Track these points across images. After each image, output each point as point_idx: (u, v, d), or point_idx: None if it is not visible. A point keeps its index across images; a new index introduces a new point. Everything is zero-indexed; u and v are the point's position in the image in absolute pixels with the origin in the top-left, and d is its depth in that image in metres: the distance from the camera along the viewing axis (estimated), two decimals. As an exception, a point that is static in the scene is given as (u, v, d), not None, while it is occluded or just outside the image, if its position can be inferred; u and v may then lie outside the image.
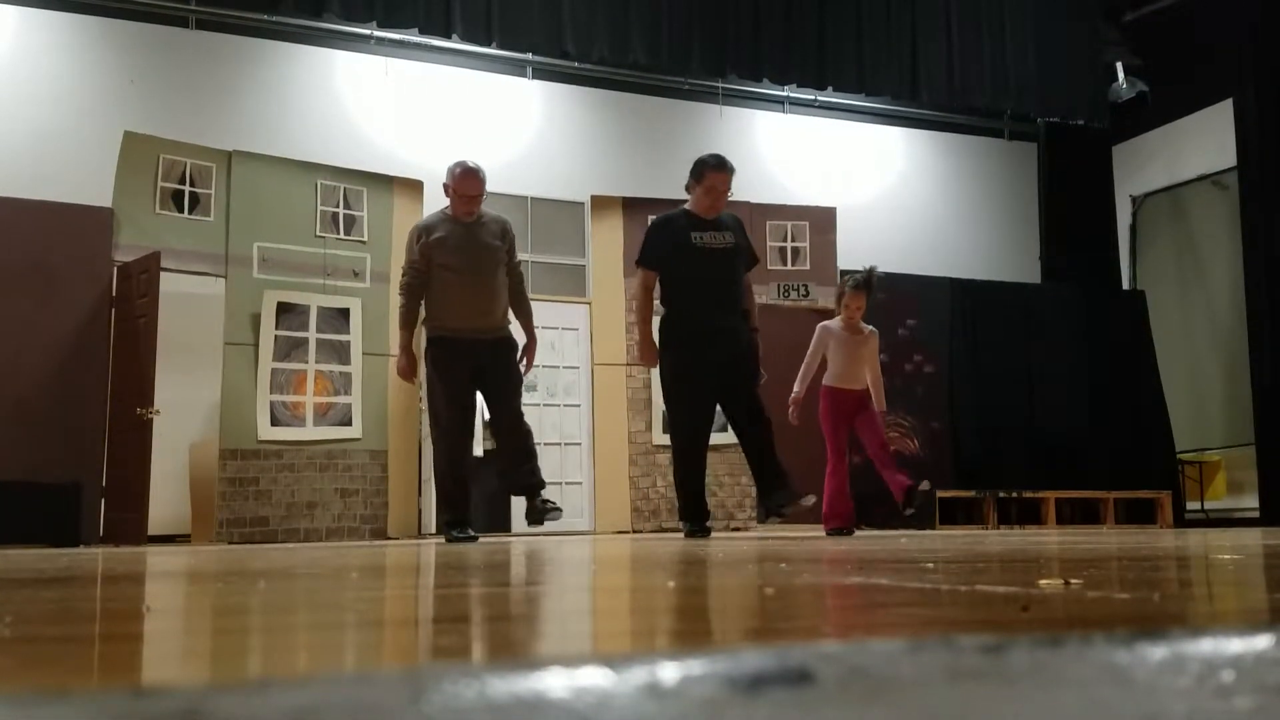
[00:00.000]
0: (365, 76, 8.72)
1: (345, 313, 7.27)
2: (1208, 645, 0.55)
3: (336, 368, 7.18)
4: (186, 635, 1.10)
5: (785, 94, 9.94)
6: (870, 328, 6.11)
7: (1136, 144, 10.53)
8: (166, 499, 7.05)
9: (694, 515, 5.45)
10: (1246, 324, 9.25)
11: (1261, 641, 0.55)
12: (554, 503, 5.52)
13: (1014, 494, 8.50)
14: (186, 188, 7.00)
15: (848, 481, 5.95)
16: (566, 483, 7.67)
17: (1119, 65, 10.07)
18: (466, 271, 5.49)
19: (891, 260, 8.19)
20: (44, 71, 7.83)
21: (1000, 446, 8.68)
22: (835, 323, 6.07)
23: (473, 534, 5.44)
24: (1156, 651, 0.54)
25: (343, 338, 7.24)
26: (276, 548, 5.20)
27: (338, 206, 7.40)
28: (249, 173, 7.18)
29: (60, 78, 7.87)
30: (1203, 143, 9.91)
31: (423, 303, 5.59)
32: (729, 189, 5.61)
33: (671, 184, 8.88)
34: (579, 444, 7.75)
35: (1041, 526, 8.34)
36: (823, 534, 5.69)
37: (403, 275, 5.68)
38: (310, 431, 7.02)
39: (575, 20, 8.41)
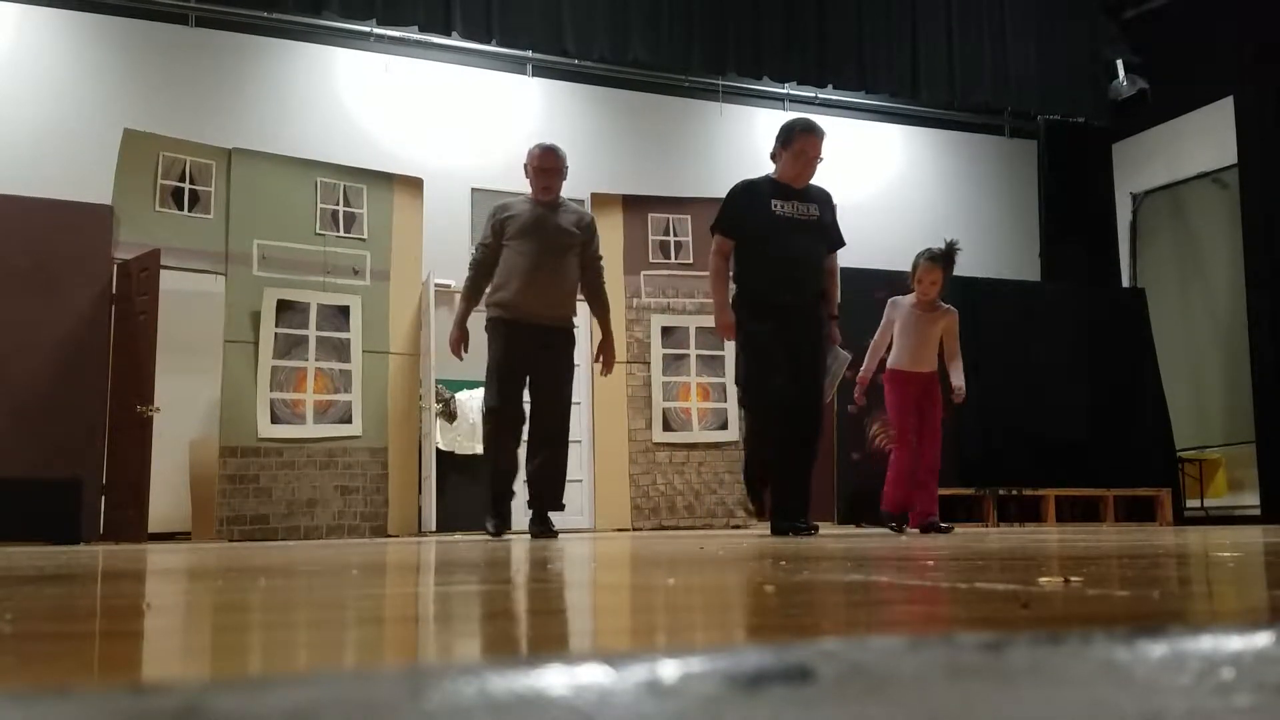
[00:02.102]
0: (365, 74, 8.72)
1: (345, 310, 7.27)
2: (1207, 643, 0.55)
3: (336, 365, 7.18)
4: (186, 632, 1.10)
5: (785, 91, 9.94)
6: (948, 306, 5.69)
7: (1137, 141, 10.53)
8: (167, 496, 7.06)
9: (793, 510, 4.95)
10: (1247, 322, 9.25)
11: (1261, 639, 0.55)
12: (553, 528, 5.28)
13: (1014, 491, 8.51)
14: (186, 185, 7.00)
15: (910, 472, 5.52)
16: (567, 480, 7.67)
17: (1119, 62, 10.06)
18: (536, 253, 5.26)
19: (891, 258, 8.18)
20: (44, 69, 7.83)
21: (1000, 444, 8.67)
22: (906, 298, 5.64)
23: (497, 530, 5.18)
24: (1156, 649, 0.54)
25: (343, 335, 7.24)
26: (276, 545, 5.20)
27: (337, 204, 7.40)
28: (249, 170, 7.18)
29: (60, 75, 7.87)
30: (1203, 140, 9.91)
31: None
32: (820, 155, 5.12)
33: (672, 181, 8.94)
34: (579, 441, 7.73)
35: (1041, 524, 8.34)
36: (821, 533, 5.42)
37: (474, 251, 5.53)
38: (310, 429, 7.02)
39: (575, 18, 8.41)
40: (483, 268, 5.38)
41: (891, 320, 5.62)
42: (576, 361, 5.51)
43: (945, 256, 5.52)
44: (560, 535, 5.37)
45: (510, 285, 5.26)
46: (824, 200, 5.19)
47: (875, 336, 5.66)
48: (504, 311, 5.27)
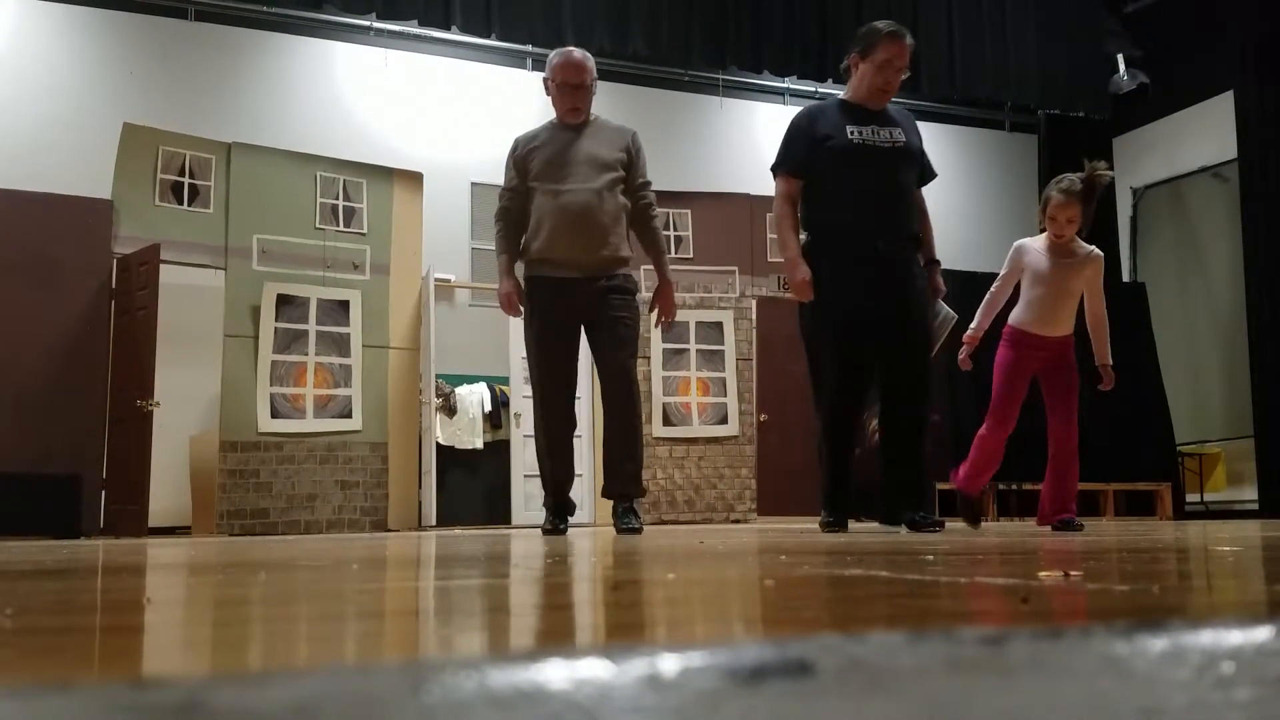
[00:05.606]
0: (365, 68, 8.71)
1: (345, 305, 7.27)
2: (1207, 637, 0.55)
3: (336, 360, 7.18)
4: (187, 627, 1.10)
5: (786, 85, 9.92)
6: (1092, 249, 4.51)
7: (1137, 136, 10.53)
8: (167, 491, 7.06)
9: (834, 502, 4.30)
10: (1246, 316, 9.26)
11: (1261, 633, 0.55)
12: (638, 522, 4.36)
13: (1013, 485, 8.51)
14: (186, 179, 7.00)
15: (994, 451, 4.57)
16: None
17: (1120, 57, 10.06)
18: (566, 187, 4.34)
19: (892, 252, 8.17)
20: (43, 63, 7.83)
21: (1000, 438, 8.66)
22: (1036, 240, 4.53)
23: (562, 527, 4.42)
24: (1156, 643, 0.54)
25: (343, 330, 7.24)
26: (277, 540, 5.21)
27: (337, 198, 7.39)
28: (248, 164, 7.18)
29: (59, 69, 7.86)
30: (1203, 135, 9.91)
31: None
32: (906, 66, 4.31)
33: (672, 176, 8.91)
34: (580, 436, 7.73)
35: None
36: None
37: (500, 199, 4.59)
38: (310, 424, 7.02)
39: (575, 11, 8.41)
40: (511, 216, 4.48)
41: (1018, 267, 4.56)
42: (623, 317, 4.43)
43: (1086, 187, 4.34)
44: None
45: (542, 236, 4.35)
46: (908, 122, 4.43)
47: (994, 285, 4.65)
48: (542, 269, 4.40)
